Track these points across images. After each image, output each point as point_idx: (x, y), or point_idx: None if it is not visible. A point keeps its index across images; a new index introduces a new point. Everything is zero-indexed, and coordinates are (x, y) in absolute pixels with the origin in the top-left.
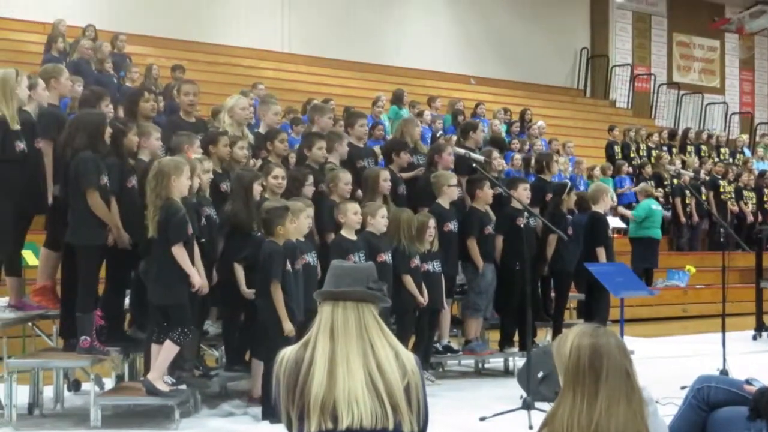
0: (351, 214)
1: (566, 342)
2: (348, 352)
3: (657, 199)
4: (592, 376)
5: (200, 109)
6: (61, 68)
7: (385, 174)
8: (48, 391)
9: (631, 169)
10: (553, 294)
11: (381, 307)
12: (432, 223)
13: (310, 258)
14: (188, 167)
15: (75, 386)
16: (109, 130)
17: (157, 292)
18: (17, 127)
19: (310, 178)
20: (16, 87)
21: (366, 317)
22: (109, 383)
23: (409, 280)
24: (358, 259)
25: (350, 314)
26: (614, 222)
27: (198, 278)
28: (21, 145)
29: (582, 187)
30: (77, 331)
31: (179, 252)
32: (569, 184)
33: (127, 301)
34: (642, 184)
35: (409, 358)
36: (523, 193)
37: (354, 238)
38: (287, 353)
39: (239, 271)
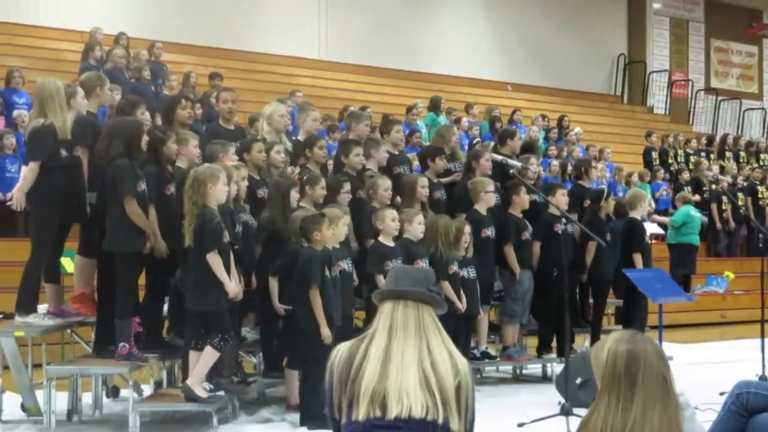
0: (389, 220)
1: (603, 348)
2: (404, 348)
3: (695, 204)
4: (628, 381)
5: (238, 117)
6: (105, 78)
7: (423, 180)
8: (87, 398)
9: (668, 175)
10: (591, 300)
11: (438, 312)
12: (467, 229)
13: (346, 265)
14: (224, 174)
15: (114, 393)
16: (145, 138)
17: (194, 299)
18: (68, 136)
19: (346, 186)
20: (69, 97)
21: (425, 317)
22: (147, 390)
23: (447, 286)
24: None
25: (410, 313)
26: (651, 228)
27: (232, 286)
28: (64, 152)
29: (621, 194)
30: (115, 337)
31: (213, 259)
32: (607, 189)
33: (165, 307)
34: (680, 192)
35: (463, 361)
36: (561, 199)
37: (392, 244)
38: (342, 347)
39: (273, 284)
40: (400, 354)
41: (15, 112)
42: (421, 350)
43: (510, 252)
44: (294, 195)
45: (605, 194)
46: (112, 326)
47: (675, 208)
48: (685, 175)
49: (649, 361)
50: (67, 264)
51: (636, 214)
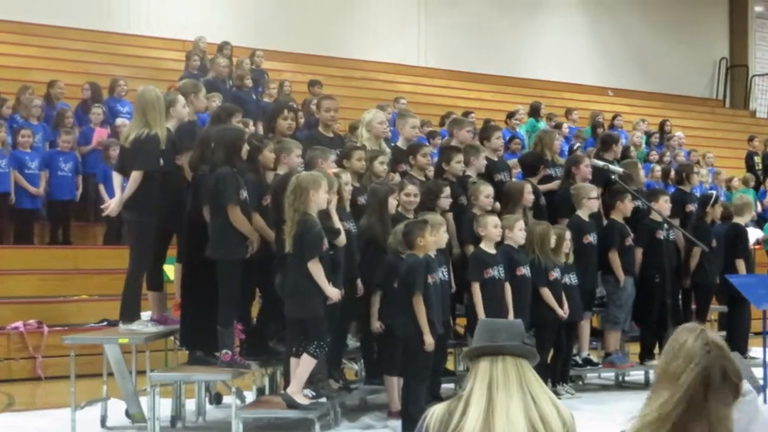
0: (491, 227)
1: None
2: (508, 405)
3: None
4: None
5: (339, 124)
6: (200, 85)
7: (528, 187)
8: (190, 404)
9: None
10: (693, 306)
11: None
12: (568, 235)
13: (441, 273)
14: (326, 181)
15: (216, 399)
16: (246, 147)
17: (293, 306)
18: (163, 146)
19: (446, 191)
20: (169, 105)
21: (526, 372)
22: (250, 396)
23: (547, 293)
24: (496, 273)
25: (510, 368)
26: (754, 234)
27: (333, 291)
28: (161, 162)
29: (722, 198)
30: (218, 344)
31: (314, 267)
32: (715, 194)
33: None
34: None
35: (568, 413)
36: (664, 206)
37: (493, 251)
38: (437, 407)
39: (375, 301)
40: (505, 410)
41: (118, 121)
42: (527, 405)
43: (615, 258)
44: (392, 202)
45: (713, 199)
46: (196, 332)
47: None
48: None
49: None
50: (170, 271)
51: (741, 221)
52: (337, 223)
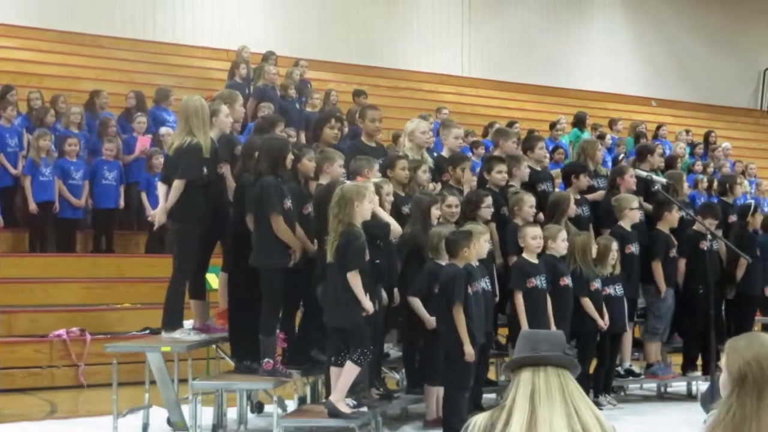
0: (529, 238)
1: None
2: (551, 416)
3: None
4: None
5: (382, 134)
6: (236, 95)
7: (572, 197)
8: (232, 413)
9: None
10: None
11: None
12: (614, 246)
13: (484, 283)
14: (370, 192)
15: (258, 408)
16: (290, 156)
17: (333, 315)
18: (208, 154)
19: (487, 200)
20: (212, 115)
21: (568, 383)
22: (291, 405)
23: (588, 303)
24: (539, 283)
25: (552, 379)
26: None
27: (370, 304)
28: (205, 170)
29: (766, 209)
30: (260, 353)
31: (354, 278)
32: (754, 203)
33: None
34: None
35: (610, 424)
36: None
37: (536, 261)
38: (479, 416)
39: (416, 303)
40: (548, 421)
41: (162, 129)
42: (569, 415)
43: (658, 268)
44: (435, 212)
45: (752, 209)
46: (245, 341)
47: None
48: None
49: None
50: (212, 280)
51: None
52: (386, 218)
